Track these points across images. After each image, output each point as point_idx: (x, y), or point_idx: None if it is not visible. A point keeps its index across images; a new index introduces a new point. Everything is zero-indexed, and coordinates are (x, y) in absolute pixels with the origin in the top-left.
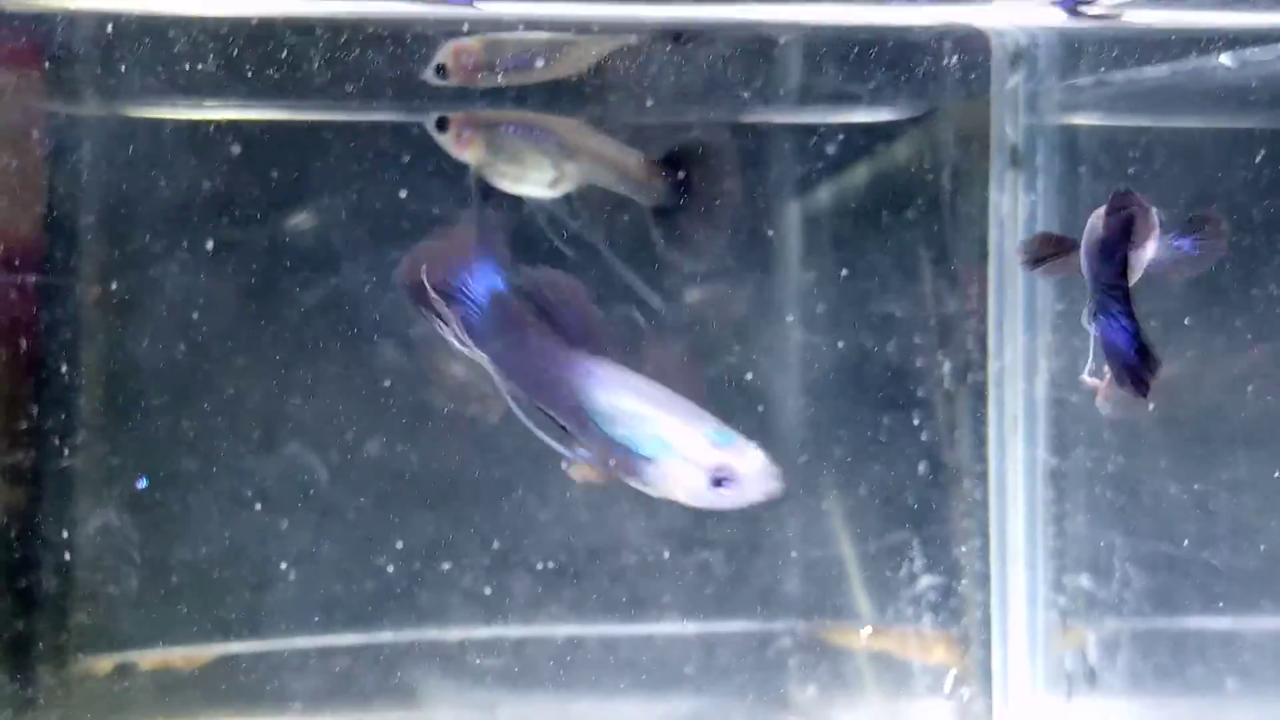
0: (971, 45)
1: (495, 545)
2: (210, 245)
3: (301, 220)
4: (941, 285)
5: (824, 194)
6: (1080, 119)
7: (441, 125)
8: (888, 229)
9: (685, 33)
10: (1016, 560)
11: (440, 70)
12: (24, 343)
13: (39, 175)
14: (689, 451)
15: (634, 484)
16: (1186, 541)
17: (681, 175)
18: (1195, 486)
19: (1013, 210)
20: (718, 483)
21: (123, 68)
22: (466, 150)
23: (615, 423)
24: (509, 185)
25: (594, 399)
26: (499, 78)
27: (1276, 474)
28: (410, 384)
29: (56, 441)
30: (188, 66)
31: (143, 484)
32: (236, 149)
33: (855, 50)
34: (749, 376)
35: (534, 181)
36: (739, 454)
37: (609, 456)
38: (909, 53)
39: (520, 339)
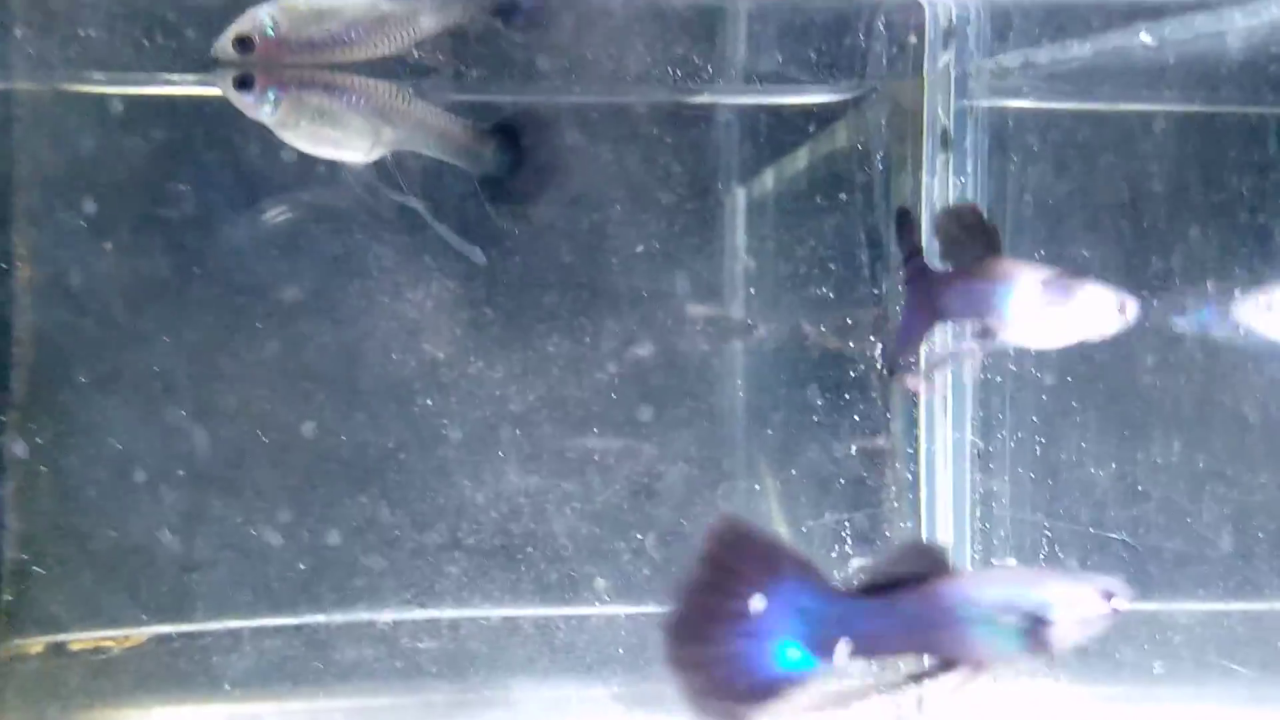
0: (906, 21)
1: (431, 527)
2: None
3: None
4: (876, 268)
5: (760, 176)
6: (1009, 101)
7: (243, 84)
8: (822, 211)
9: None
10: (945, 541)
11: (244, 43)
12: None
13: None
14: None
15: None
16: (1114, 524)
17: (510, 144)
18: (1122, 469)
19: (944, 194)
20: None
21: None
22: (272, 113)
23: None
24: (321, 149)
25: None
26: (313, 54)
27: (1201, 460)
28: (344, 364)
29: None
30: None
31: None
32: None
33: (791, 23)
34: (685, 358)
35: (350, 147)
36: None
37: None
38: (843, 28)
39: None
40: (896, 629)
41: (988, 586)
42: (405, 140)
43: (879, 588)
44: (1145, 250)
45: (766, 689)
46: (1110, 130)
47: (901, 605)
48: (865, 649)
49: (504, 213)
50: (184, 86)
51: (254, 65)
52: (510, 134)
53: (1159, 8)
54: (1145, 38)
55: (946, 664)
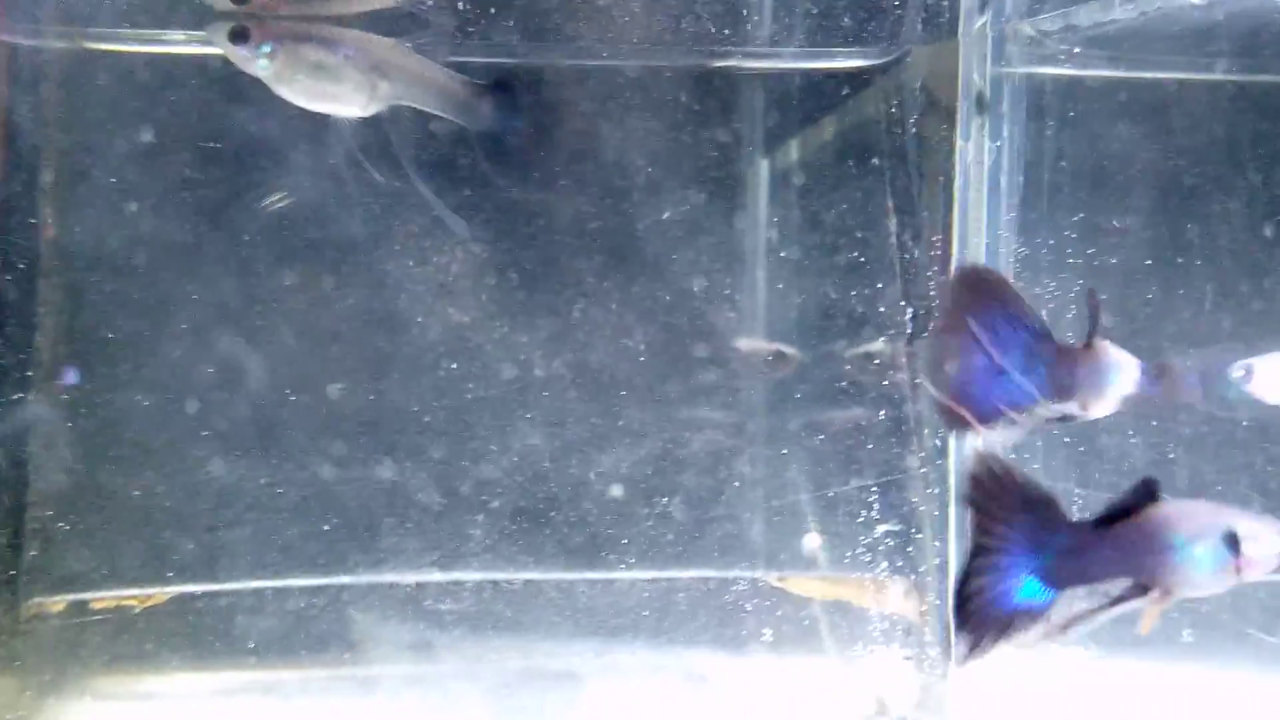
0: None
1: (455, 490)
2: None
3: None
4: (905, 236)
5: (791, 140)
6: (1047, 66)
7: (238, 37)
8: (853, 176)
9: None
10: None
11: None
12: None
13: None
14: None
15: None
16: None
17: (509, 101)
18: (1152, 439)
19: (978, 157)
20: None
21: None
22: (267, 66)
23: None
24: (316, 104)
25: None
26: (309, 6)
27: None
28: (371, 327)
29: (11, 379)
30: None
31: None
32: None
33: None
34: (714, 323)
35: (347, 102)
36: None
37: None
38: None
39: None
40: (1116, 557)
41: (1189, 516)
42: (402, 95)
43: (1103, 519)
44: (1180, 222)
45: (1012, 620)
46: (1153, 96)
47: (1122, 534)
48: (1088, 577)
49: (501, 170)
50: (184, 46)
51: (250, 17)
52: (508, 91)
53: None
54: None
55: (1142, 589)
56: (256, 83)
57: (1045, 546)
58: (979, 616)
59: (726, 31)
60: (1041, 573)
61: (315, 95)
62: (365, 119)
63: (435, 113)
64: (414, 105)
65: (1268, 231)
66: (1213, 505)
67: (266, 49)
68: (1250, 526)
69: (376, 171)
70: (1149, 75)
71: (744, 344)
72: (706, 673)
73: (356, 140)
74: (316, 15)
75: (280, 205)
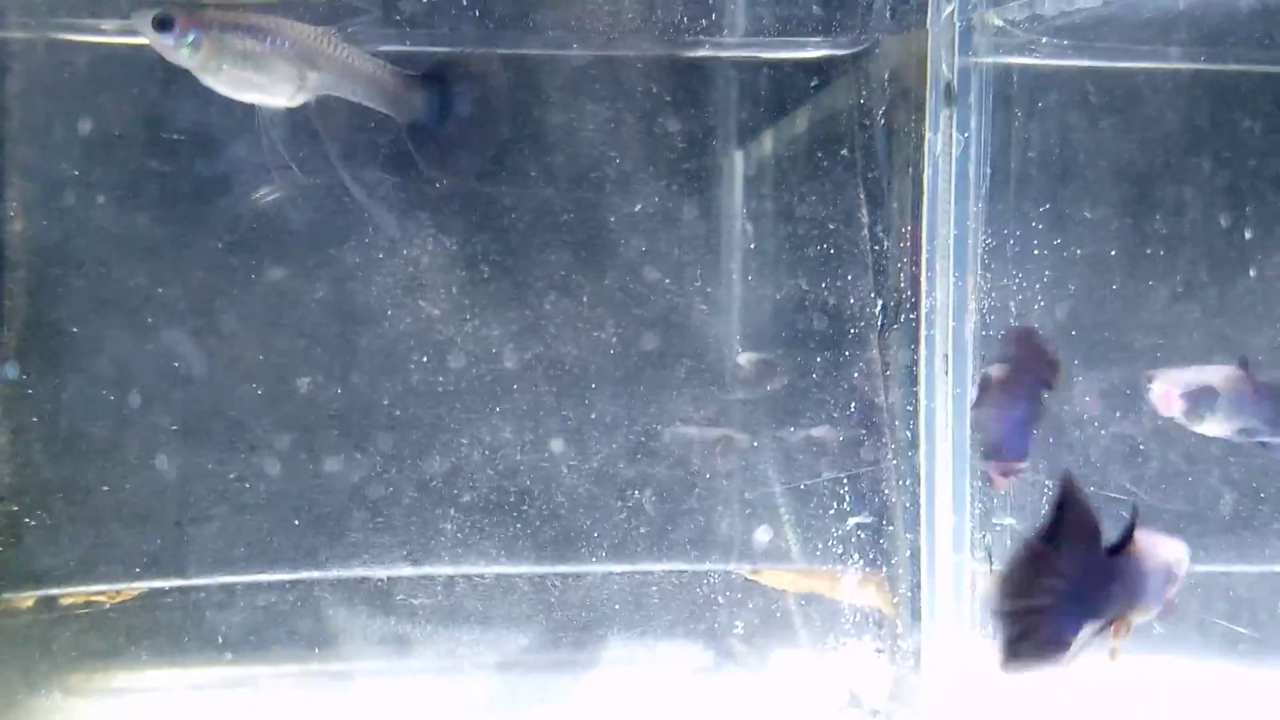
0: None
1: (426, 484)
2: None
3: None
4: (876, 228)
5: (759, 132)
6: (1014, 55)
7: (163, 25)
8: (822, 168)
9: None
10: (945, 500)
11: None
12: None
13: None
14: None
15: None
16: (1116, 484)
17: (440, 92)
18: (1126, 429)
19: (946, 149)
20: None
21: None
22: (191, 55)
23: None
24: (243, 94)
25: None
26: None
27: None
28: (340, 319)
29: None
30: None
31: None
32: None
33: None
34: (682, 317)
35: (274, 92)
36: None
37: None
38: None
39: None
40: (1125, 588)
41: (1151, 545)
42: (331, 85)
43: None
44: (1146, 212)
45: (1065, 647)
46: (1118, 86)
47: (1129, 564)
48: (1111, 607)
49: (432, 163)
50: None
51: (175, 6)
52: (440, 82)
53: None
54: None
55: (1116, 619)
56: None
57: (1087, 585)
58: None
59: (698, 20)
60: (1086, 611)
61: (242, 85)
62: (293, 110)
63: (364, 103)
64: (342, 96)
65: (1230, 220)
66: (1146, 532)
67: (190, 38)
68: (1177, 551)
69: (298, 165)
70: (1115, 65)
71: (744, 359)
72: (680, 666)
73: (284, 132)
74: (243, 2)
75: (269, 199)
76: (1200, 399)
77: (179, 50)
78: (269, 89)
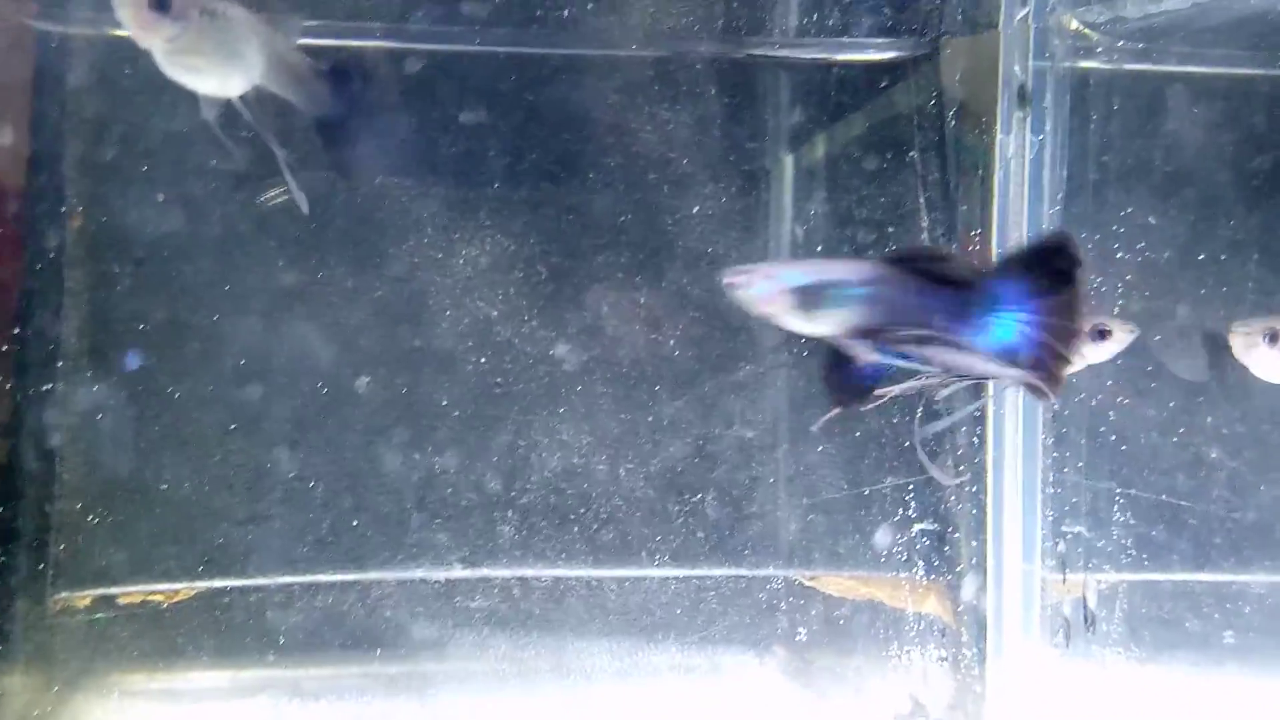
0: None
1: (484, 486)
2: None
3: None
4: (939, 228)
5: (827, 134)
6: (1092, 59)
7: (160, 6)
8: (887, 172)
9: None
10: (1014, 508)
11: None
12: (9, 272)
13: (26, 98)
14: None
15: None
16: (1185, 493)
17: (344, 87)
18: (1196, 438)
19: (1020, 152)
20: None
21: None
22: (177, 38)
23: None
24: (204, 83)
25: None
26: None
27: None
28: (399, 321)
29: (39, 371)
30: None
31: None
32: None
33: None
34: (748, 319)
35: (232, 81)
36: None
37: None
38: None
39: None
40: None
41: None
42: (267, 71)
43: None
44: (1227, 216)
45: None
46: (1200, 95)
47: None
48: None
49: (336, 158)
50: None
51: None
52: (344, 78)
53: None
54: None
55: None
56: None
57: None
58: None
59: (762, 21)
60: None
61: (208, 73)
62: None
63: (283, 94)
64: (270, 86)
65: None
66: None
67: (181, 20)
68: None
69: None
70: (1195, 69)
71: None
72: (739, 673)
73: (261, 114)
74: None
75: (277, 200)
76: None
77: (169, 31)
78: (230, 78)
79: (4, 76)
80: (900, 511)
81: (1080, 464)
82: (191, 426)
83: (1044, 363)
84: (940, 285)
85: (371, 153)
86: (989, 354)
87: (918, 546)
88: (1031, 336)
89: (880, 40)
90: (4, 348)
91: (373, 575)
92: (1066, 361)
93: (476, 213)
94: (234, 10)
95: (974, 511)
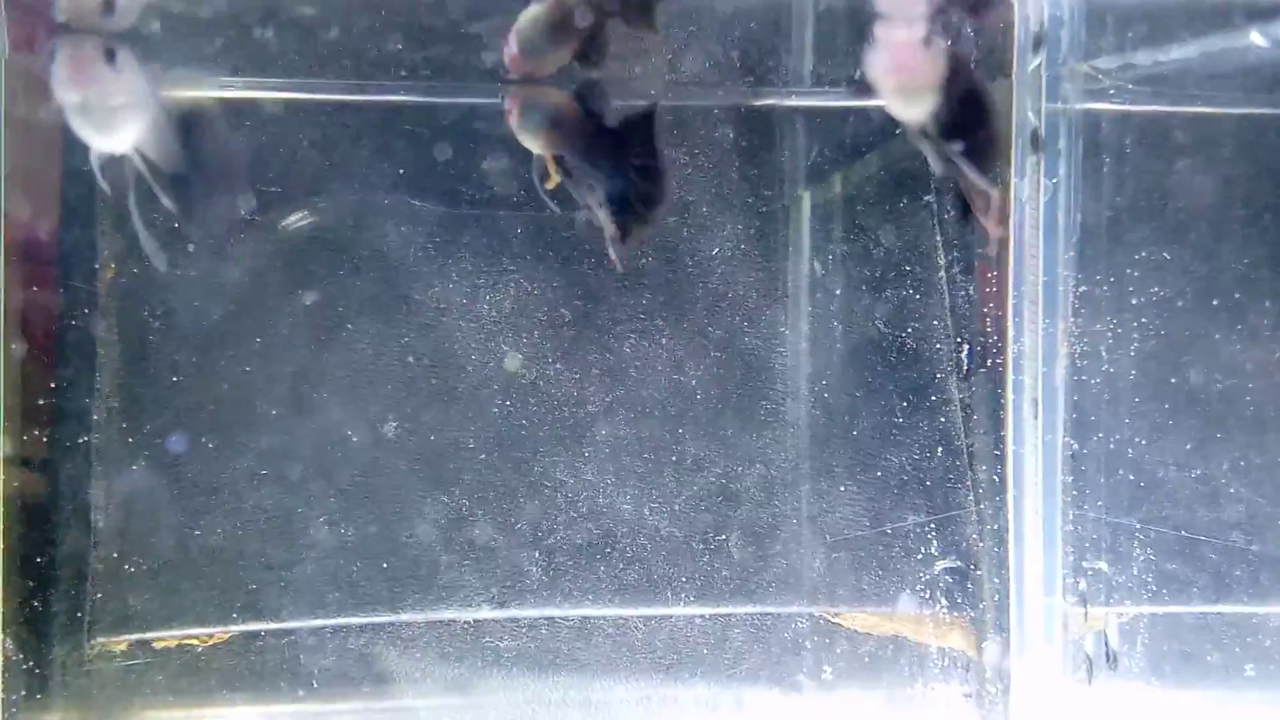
0: (994, 22)
1: (511, 527)
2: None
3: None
4: (957, 267)
5: (839, 176)
6: (1104, 103)
7: (111, 56)
8: (905, 212)
9: None
10: (1035, 544)
11: (108, 5)
12: (43, 322)
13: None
14: None
15: None
16: (1205, 527)
17: (194, 142)
18: (1214, 472)
19: (1033, 195)
20: None
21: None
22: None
23: None
24: (114, 139)
25: None
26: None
27: None
28: (426, 365)
29: (75, 420)
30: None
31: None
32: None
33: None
34: (769, 359)
35: (138, 135)
36: None
37: None
38: None
39: None
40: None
41: None
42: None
43: None
44: (1244, 257)
45: None
46: (1211, 135)
47: None
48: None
49: (194, 213)
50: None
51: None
52: (192, 132)
53: (1273, 8)
54: (1257, 38)
55: None
56: (313, 124)
57: None
58: None
59: (773, 68)
60: None
61: (125, 127)
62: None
63: (148, 150)
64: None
65: None
66: None
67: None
68: None
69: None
70: (1206, 110)
71: None
72: (765, 710)
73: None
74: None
75: (301, 224)
76: None
77: (110, 85)
78: (139, 130)
79: (36, 133)
80: (923, 549)
81: (1100, 501)
82: (224, 474)
83: (624, 220)
84: (605, 129)
85: (219, 206)
86: (603, 197)
87: (941, 583)
88: (624, 193)
89: None
90: (40, 401)
91: (403, 617)
92: (645, 226)
93: (500, 258)
94: (130, 62)
95: (996, 548)
